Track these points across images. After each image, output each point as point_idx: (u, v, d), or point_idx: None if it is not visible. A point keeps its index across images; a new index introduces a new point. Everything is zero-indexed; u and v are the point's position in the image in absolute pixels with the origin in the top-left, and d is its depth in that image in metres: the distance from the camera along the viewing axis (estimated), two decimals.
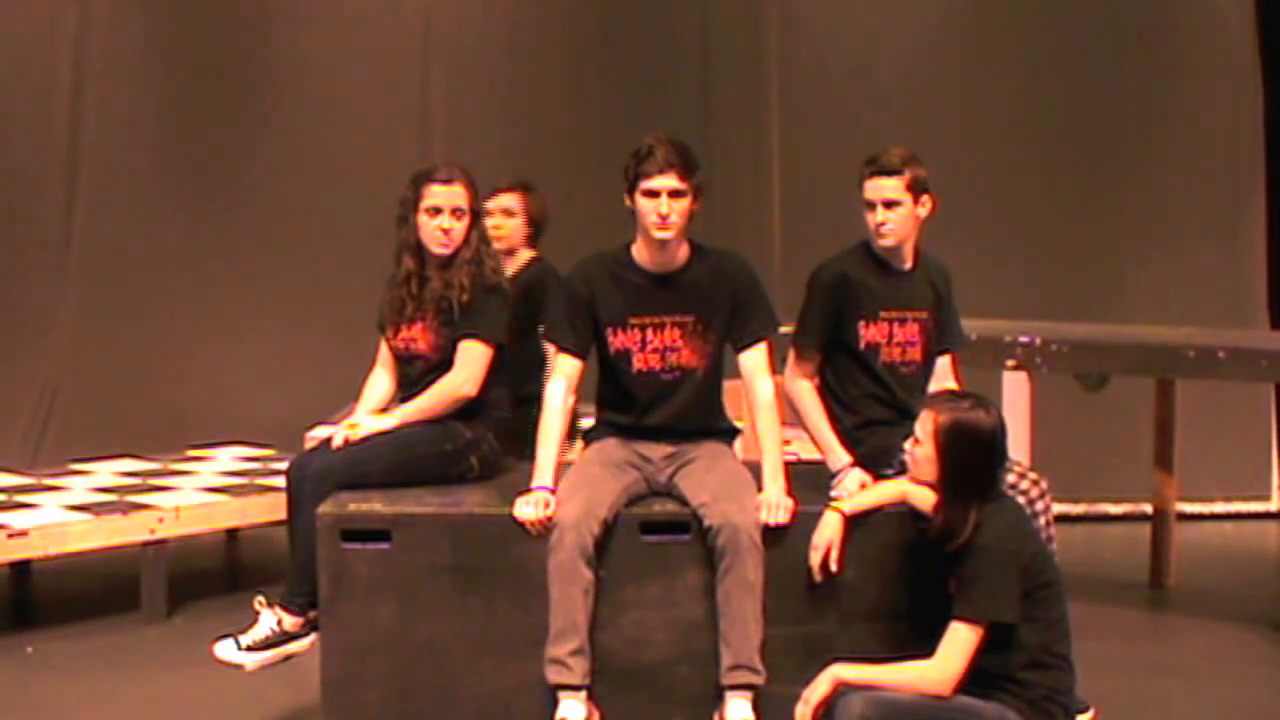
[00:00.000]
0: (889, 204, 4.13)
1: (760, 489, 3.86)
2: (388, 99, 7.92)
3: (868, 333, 4.14)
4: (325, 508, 3.86)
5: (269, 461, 6.47)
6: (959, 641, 3.42)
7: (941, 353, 4.32)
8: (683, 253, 4.00)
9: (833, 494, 3.95)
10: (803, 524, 3.78)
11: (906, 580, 3.82)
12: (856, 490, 3.92)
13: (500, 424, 4.28)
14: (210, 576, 6.20)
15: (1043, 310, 6.76)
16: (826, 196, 7.91)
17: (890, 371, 4.17)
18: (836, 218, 7.88)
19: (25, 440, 7.60)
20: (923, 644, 3.49)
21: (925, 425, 3.61)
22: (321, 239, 7.80)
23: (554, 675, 3.73)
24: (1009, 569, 3.44)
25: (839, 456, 4.06)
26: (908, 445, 3.70)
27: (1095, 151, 7.73)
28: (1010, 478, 4.01)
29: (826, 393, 4.18)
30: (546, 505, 3.78)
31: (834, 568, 3.76)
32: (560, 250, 4.49)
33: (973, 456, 3.55)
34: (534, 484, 3.85)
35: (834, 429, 4.11)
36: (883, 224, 4.14)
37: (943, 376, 4.32)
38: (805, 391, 4.17)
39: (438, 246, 4.19)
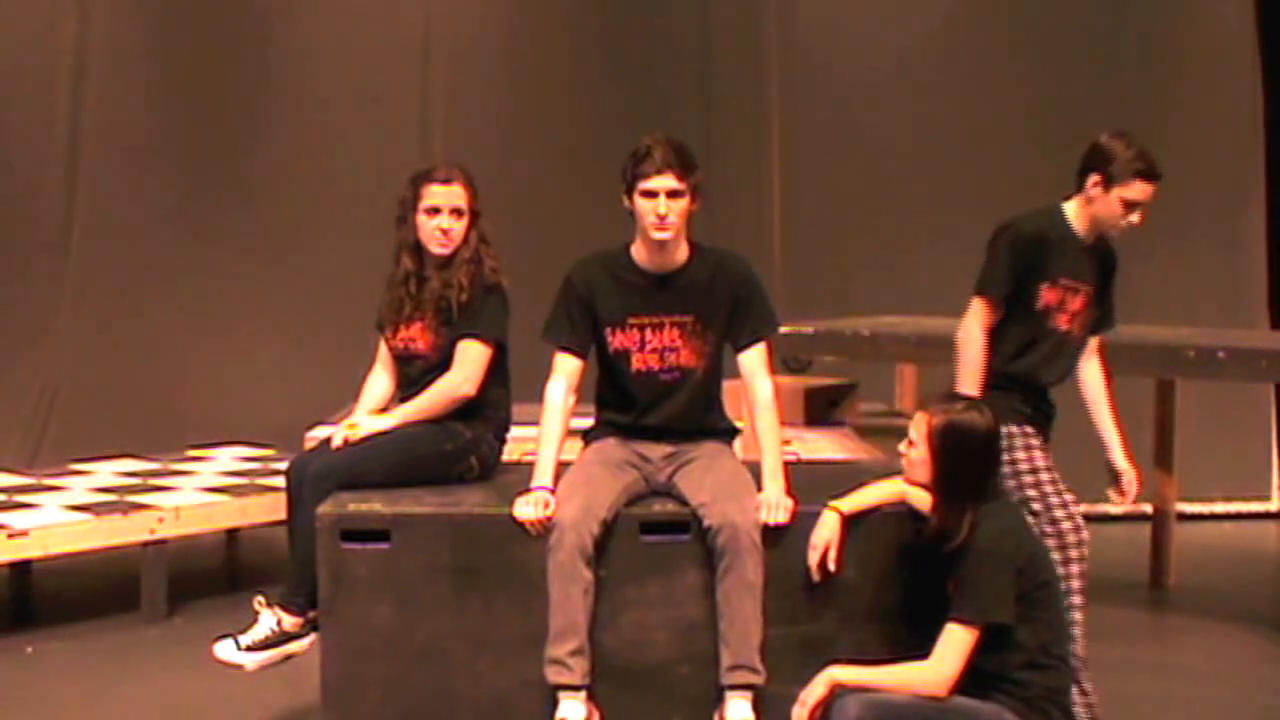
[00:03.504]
0: (1146, 208, 4.14)
1: (760, 489, 3.86)
2: (388, 99, 7.92)
3: (1047, 295, 4.16)
4: (325, 508, 3.86)
5: (269, 461, 6.47)
6: (955, 643, 3.42)
7: (1093, 332, 4.35)
8: (682, 253, 4.00)
9: None
10: (802, 524, 3.78)
11: (905, 580, 3.82)
12: None
13: (500, 424, 4.28)
14: (210, 576, 6.20)
15: None
16: (826, 196, 7.95)
17: (1055, 338, 4.19)
18: (837, 218, 7.98)
19: (25, 440, 7.60)
20: (922, 644, 3.48)
21: (919, 427, 3.61)
22: (321, 239, 7.81)
23: (554, 675, 3.73)
24: (1004, 570, 3.44)
25: None
26: (902, 447, 3.70)
27: None
28: (1058, 513, 4.02)
29: (992, 345, 4.17)
30: (546, 505, 3.78)
31: (832, 567, 3.76)
32: (561, 250, 4.49)
33: (967, 458, 3.55)
34: (533, 484, 3.85)
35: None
36: (1134, 225, 4.15)
37: (1089, 354, 4.36)
38: (977, 347, 4.13)
39: (436, 246, 4.19)
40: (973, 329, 4.16)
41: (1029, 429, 4.14)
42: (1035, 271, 4.15)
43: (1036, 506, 4.04)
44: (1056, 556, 3.97)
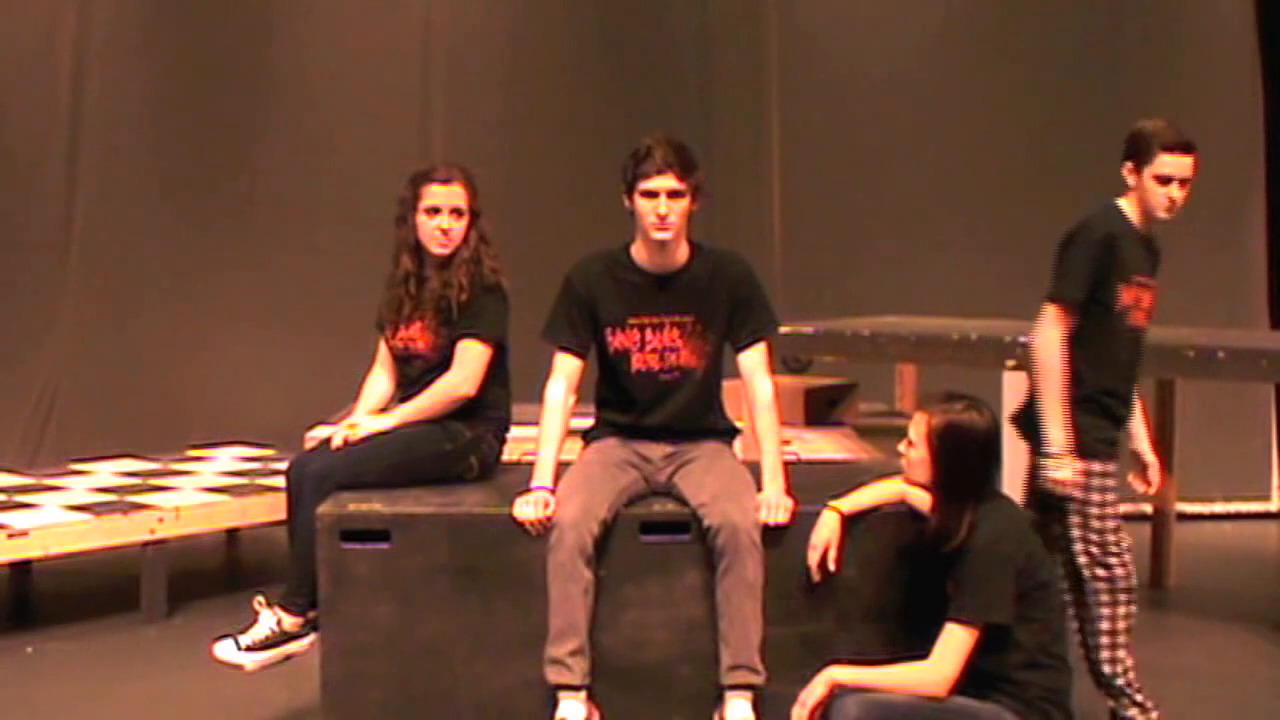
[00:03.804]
0: (1184, 181, 4.07)
1: (760, 489, 3.86)
2: (388, 99, 7.93)
3: (1125, 295, 4.08)
4: (325, 508, 3.86)
5: (269, 461, 6.47)
6: (954, 643, 3.42)
7: None
8: (682, 253, 4.00)
9: (1046, 472, 3.94)
10: (802, 524, 3.78)
11: (905, 580, 3.82)
12: (1070, 479, 3.92)
13: (500, 424, 4.28)
14: (210, 576, 6.20)
15: None
16: (826, 196, 7.95)
17: (1134, 336, 4.13)
18: (837, 218, 7.98)
19: (25, 440, 7.61)
20: (922, 644, 3.49)
21: (919, 427, 3.61)
22: (321, 239, 7.81)
23: (554, 675, 3.73)
24: (1003, 570, 3.44)
25: (1059, 437, 3.98)
26: (901, 447, 3.70)
27: (1095, 151, 7.70)
28: (1112, 559, 3.99)
29: (1073, 353, 4.06)
30: (546, 505, 3.78)
31: (832, 567, 3.76)
32: (561, 250, 4.49)
33: (966, 458, 3.55)
34: (533, 484, 3.85)
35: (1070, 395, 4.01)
36: (1175, 201, 4.08)
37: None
38: (1057, 357, 4.00)
39: (436, 246, 4.20)
40: (1052, 335, 4.02)
41: (1110, 467, 4.04)
42: (1112, 272, 4.05)
43: (1095, 550, 4.00)
44: (1105, 598, 3.99)
